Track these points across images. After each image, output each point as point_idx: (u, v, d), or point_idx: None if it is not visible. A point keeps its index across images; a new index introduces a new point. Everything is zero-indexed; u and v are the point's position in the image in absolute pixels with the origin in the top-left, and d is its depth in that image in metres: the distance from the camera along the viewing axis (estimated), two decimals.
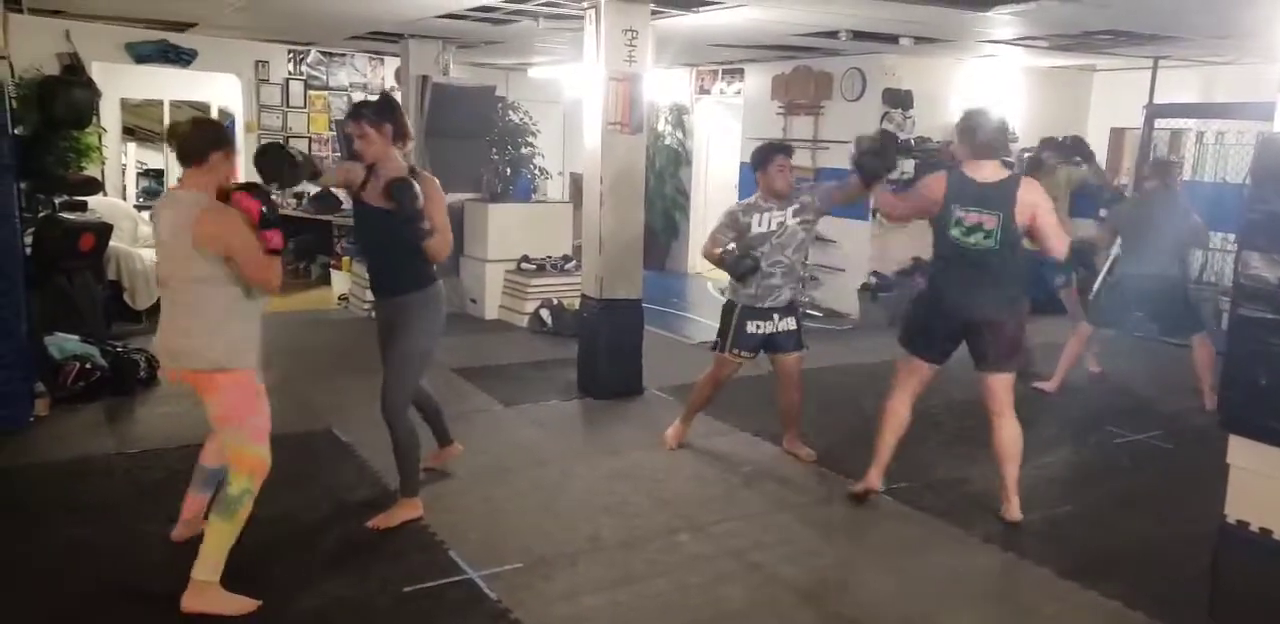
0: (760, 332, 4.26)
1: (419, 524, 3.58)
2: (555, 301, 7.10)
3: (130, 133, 9.98)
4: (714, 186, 9.89)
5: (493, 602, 3.04)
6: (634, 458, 4.45)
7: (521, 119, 7.54)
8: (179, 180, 2.96)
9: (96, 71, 7.49)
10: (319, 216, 8.50)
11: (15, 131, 4.45)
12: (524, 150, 7.57)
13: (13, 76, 4.70)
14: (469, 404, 5.17)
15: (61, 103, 4.41)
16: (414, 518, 3.61)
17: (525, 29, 6.49)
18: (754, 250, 4.13)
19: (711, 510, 3.86)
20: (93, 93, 4.61)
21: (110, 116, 8.71)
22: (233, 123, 9.11)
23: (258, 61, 8.88)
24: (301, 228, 8.49)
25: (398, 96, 6.92)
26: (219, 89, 9.38)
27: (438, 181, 3.51)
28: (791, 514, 3.85)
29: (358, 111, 3.45)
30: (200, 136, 2.88)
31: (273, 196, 2.99)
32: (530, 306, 7.21)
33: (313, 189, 8.25)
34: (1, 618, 2.88)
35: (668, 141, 9.99)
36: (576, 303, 5.85)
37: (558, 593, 3.13)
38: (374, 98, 3.77)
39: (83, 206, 5.49)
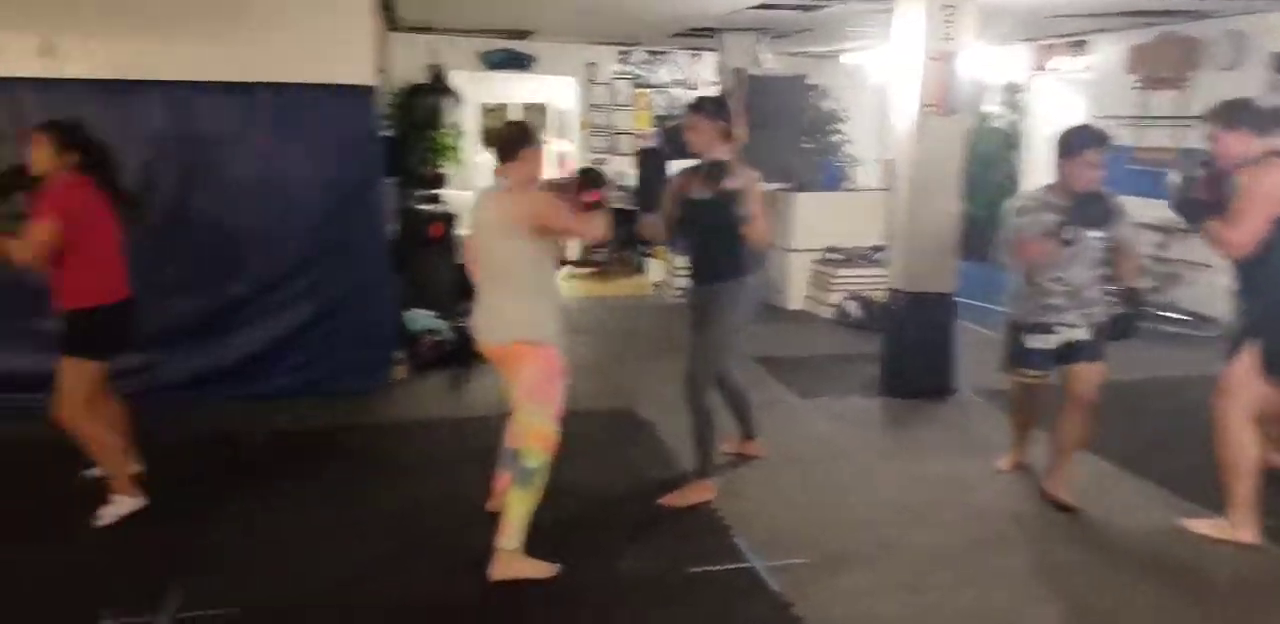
0: (1046, 346, 3.65)
1: (709, 507, 3.66)
2: (862, 294, 6.90)
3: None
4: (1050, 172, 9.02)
5: (775, 593, 3.03)
6: (939, 463, 4.22)
7: (831, 106, 7.38)
8: (496, 173, 3.28)
9: (457, 79, 8.43)
10: (636, 208, 8.94)
11: (386, 134, 5.13)
12: (833, 138, 7.41)
13: (389, 87, 5.40)
14: (767, 394, 5.17)
15: (420, 108, 5.01)
16: (705, 500, 3.69)
17: (835, 14, 6.35)
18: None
19: (1028, 528, 3.56)
20: (444, 99, 5.18)
21: (470, 119, 9.78)
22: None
23: (588, 63, 9.49)
24: (625, 219, 8.97)
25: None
26: (556, 90, 10.18)
27: (758, 174, 3.65)
28: (1121, 542, 3.45)
29: (699, 104, 3.71)
30: (510, 137, 3.21)
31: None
32: (835, 298, 7.08)
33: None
34: (332, 559, 3.30)
35: (996, 124, 9.29)
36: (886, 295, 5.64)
37: (843, 592, 3.05)
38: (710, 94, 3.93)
39: (436, 199, 6.22)
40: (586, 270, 9.39)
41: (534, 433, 3.12)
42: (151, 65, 4.57)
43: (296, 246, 4.87)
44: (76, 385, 3.40)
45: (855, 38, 8.08)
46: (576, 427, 3.25)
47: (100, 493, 3.55)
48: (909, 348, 5.14)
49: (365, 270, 5.01)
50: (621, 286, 8.62)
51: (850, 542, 3.41)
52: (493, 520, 3.15)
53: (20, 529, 3.45)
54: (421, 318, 5.80)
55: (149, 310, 4.60)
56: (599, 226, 3.19)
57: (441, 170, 5.32)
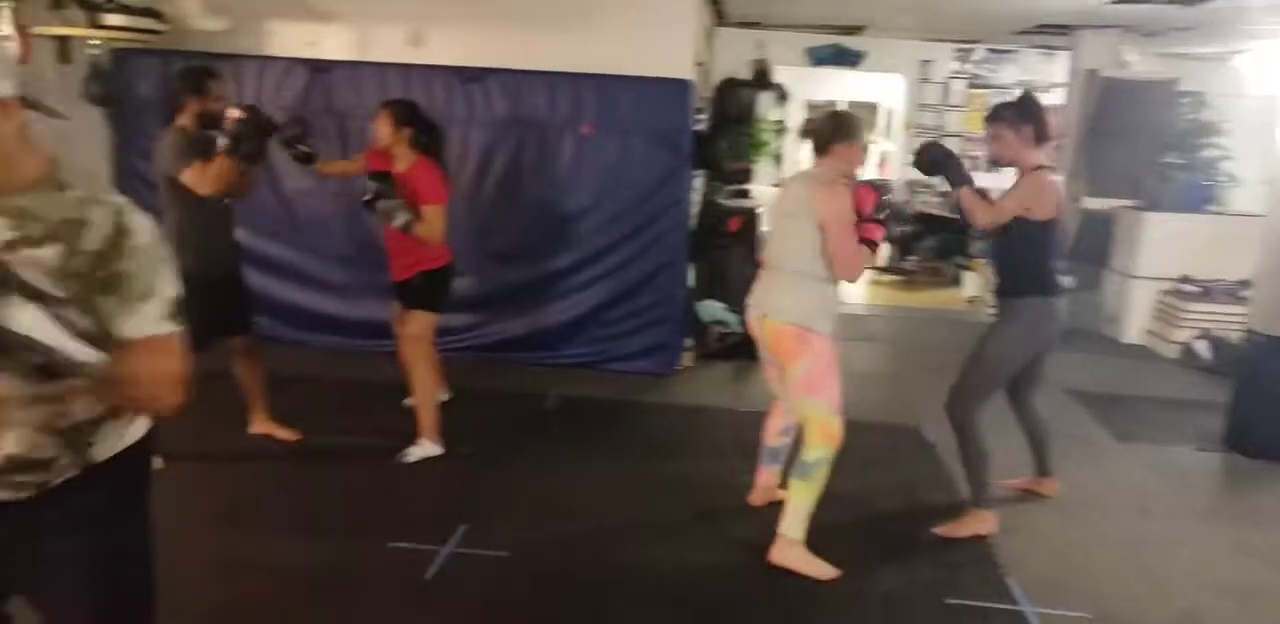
0: None
1: (984, 541, 3.39)
2: (1216, 333, 6.03)
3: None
4: None
5: None
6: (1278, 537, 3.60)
7: (1209, 117, 6.47)
8: (814, 164, 3.29)
9: (783, 75, 8.48)
10: (957, 217, 8.46)
11: (698, 128, 5.28)
12: (1207, 153, 6.50)
13: (707, 81, 5.56)
14: (1077, 431, 4.70)
15: (732, 103, 5.10)
16: (982, 533, 3.43)
17: (1226, 9, 5.55)
18: None
19: None
20: (763, 94, 5.23)
21: (796, 116, 9.80)
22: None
23: (922, 61, 9.12)
24: (941, 227, 8.56)
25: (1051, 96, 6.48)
26: (885, 89, 9.89)
27: (1048, 180, 3.35)
28: None
29: (997, 113, 3.45)
30: (823, 131, 3.20)
31: (888, 198, 3.18)
32: (1183, 335, 6.25)
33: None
34: (604, 520, 3.49)
35: None
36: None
37: None
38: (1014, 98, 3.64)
39: (743, 194, 6.29)
40: (893, 277, 9.07)
41: (816, 425, 3.11)
42: (497, 54, 5.05)
43: (605, 229, 5.17)
44: (421, 333, 3.92)
45: (1256, 36, 7.02)
46: (854, 438, 3.17)
47: (407, 421, 4.01)
48: (1265, 399, 4.41)
49: (664, 257, 5.21)
50: (930, 298, 8.23)
51: (1142, 606, 3.02)
52: (754, 511, 3.21)
53: (349, 454, 3.98)
54: (714, 309, 5.90)
55: (476, 277, 5.18)
56: (858, 269, 3.12)
57: (750, 166, 5.38)
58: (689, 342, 5.63)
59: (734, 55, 7.54)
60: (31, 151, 1.46)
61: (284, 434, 4.01)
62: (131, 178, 5.06)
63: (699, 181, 5.72)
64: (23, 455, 1.49)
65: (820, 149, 3.19)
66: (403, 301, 3.99)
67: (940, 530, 3.46)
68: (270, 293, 5.26)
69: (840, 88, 10.30)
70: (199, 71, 3.65)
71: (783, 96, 9.00)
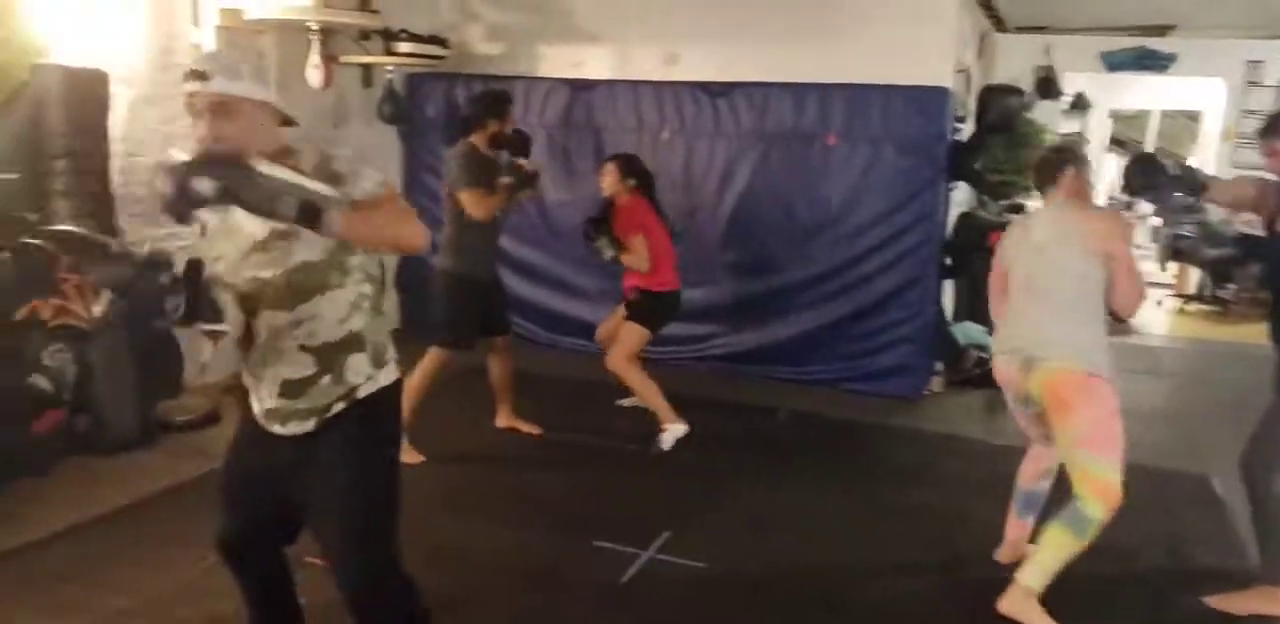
0: None
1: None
2: None
3: (1120, 144, 10.05)
4: None
5: None
6: None
7: None
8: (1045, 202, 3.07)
9: (1080, 83, 7.81)
10: None
11: (955, 138, 5.00)
12: None
13: (968, 89, 5.26)
14: None
15: (994, 111, 4.77)
16: (1270, 614, 2.92)
17: None
18: None
19: None
20: (1028, 101, 4.87)
21: (1099, 127, 8.98)
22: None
23: (1249, 61, 8.00)
24: (1269, 251, 7.43)
25: None
26: (1202, 95, 8.80)
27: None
28: None
29: (1273, 126, 2.91)
30: (1039, 167, 3.02)
31: None
32: None
33: None
34: (817, 544, 3.36)
35: None
36: None
37: None
38: None
39: (1020, 209, 5.84)
40: (1205, 307, 8.03)
41: (1093, 484, 2.75)
42: (746, 67, 5.10)
43: (850, 241, 5.03)
44: (631, 343, 4.15)
45: None
46: (1132, 481, 2.79)
47: (639, 423, 4.23)
48: None
49: (913, 273, 4.98)
50: (1244, 332, 7.18)
51: None
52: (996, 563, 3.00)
53: (577, 452, 4.18)
54: (972, 331, 5.54)
55: (715, 288, 5.25)
56: (1138, 298, 2.80)
57: (1019, 178, 4.99)
58: (940, 365, 5.33)
59: (1016, 62, 7.06)
60: (273, 134, 1.96)
61: (527, 428, 4.28)
62: (418, 189, 5.67)
63: (959, 194, 5.40)
64: (292, 377, 1.96)
65: (1047, 185, 2.98)
66: (625, 314, 4.28)
67: (1215, 602, 2.98)
68: (528, 297, 5.65)
69: (1149, 95, 9.31)
70: (499, 96, 4.04)
71: (1082, 105, 8.28)
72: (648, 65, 5.33)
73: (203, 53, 4.14)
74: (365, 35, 5.07)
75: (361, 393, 2.01)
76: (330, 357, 1.97)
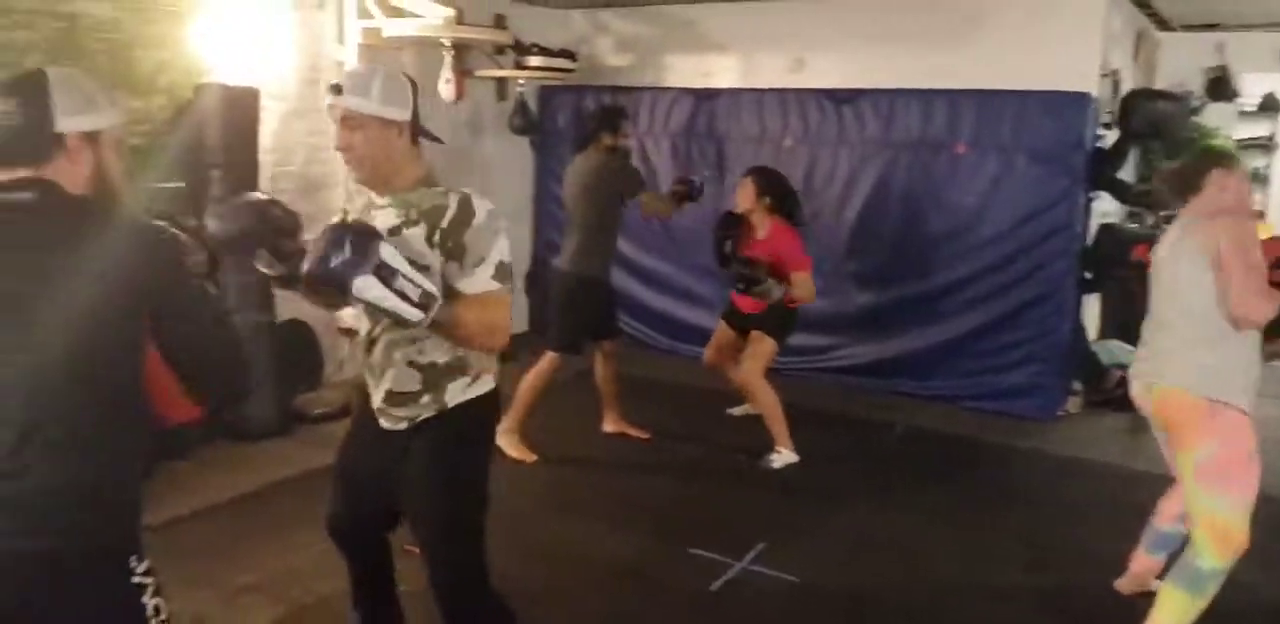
0: None
1: None
2: None
3: None
4: None
5: None
6: None
7: None
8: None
9: (1263, 83, 7.26)
10: None
11: (1098, 145, 4.77)
12: None
13: (1115, 93, 4.99)
14: None
15: (1138, 116, 4.52)
16: None
17: None
18: None
19: None
20: (1187, 105, 4.59)
21: None
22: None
23: None
24: None
25: None
26: None
27: None
28: None
29: None
30: (1179, 174, 2.81)
31: None
32: None
33: None
34: (917, 565, 3.30)
35: None
36: None
37: None
38: None
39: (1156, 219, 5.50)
40: None
41: (1211, 527, 2.54)
42: (873, 73, 5.05)
43: (978, 253, 4.90)
44: (764, 357, 4.19)
45: None
46: (1264, 516, 2.64)
47: (750, 435, 4.29)
48: None
49: (1047, 287, 4.79)
50: None
51: None
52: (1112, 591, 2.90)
53: (683, 459, 4.26)
54: (1116, 350, 5.25)
55: (837, 298, 5.22)
56: (1262, 311, 2.51)
57: (1152, 188, 4.69)
58: (1077, 385, 5.08)
59: (1183, 63, 6.63)
60: (415, 160, 2.09)
61: (636, 433, 4.38)
62: (548, 198, 5.89)
63: (1105, 205, 5.14)
64: (397, 390, 2.11)
65: (1189, 191, 2.73)
66: (750, 327, 4.24)
67: None
68: (649, 303, 5.77)
69: None
70: (613, 111, 4.22)
71: (1272, 107, 7.68)
72: (773, 73, 5.36)
73: (347, 69, 4.47)
74: (500, 50, 5.32)
75: (451, 404, 2.13)
76: (434, 377, 2.10)
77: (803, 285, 4.03)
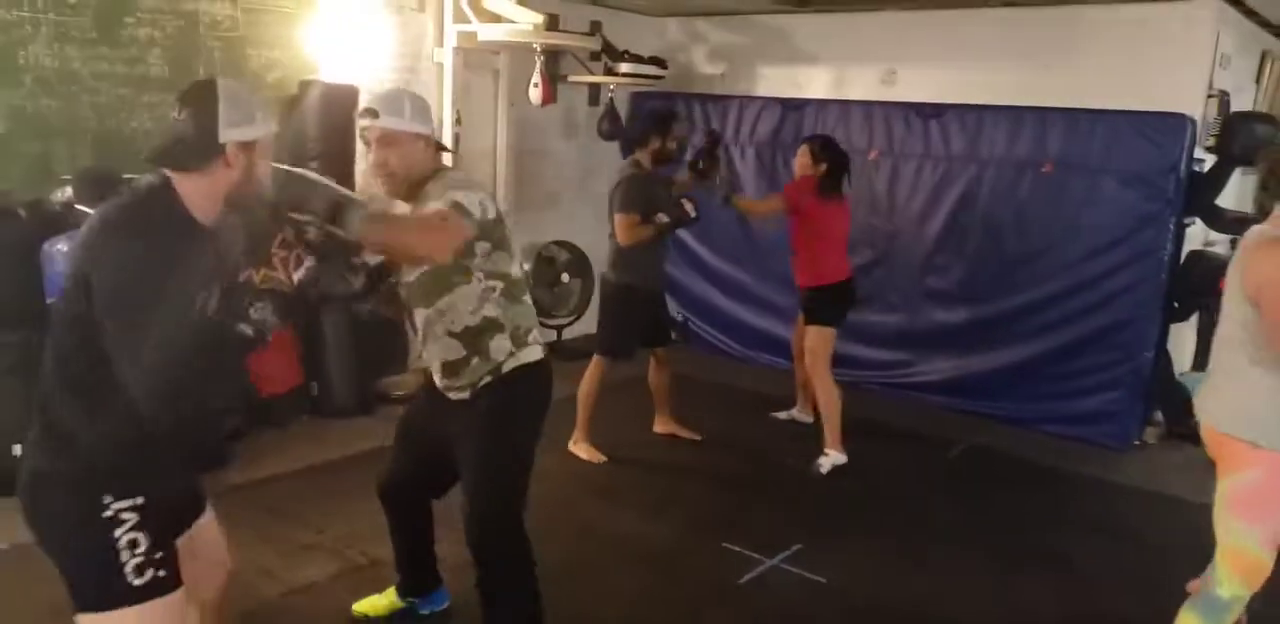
0: None
1: None
2: None
3: None
4: None
5: None
6: None
7: None
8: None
9: None
10: None
11: (1196, 169, 4.66)
12: None
13: (1221, 115, 4.84)
14: None
15: (1239, 141, 4.40)
16: None
17: None
18: None
19: None
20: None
21: None
22: None
23: None
24: None
25: None
26: None
27: None
28: None
29: None
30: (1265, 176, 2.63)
31: None
32: None
33: None
34: (945, 585, 3.34)
35: None
36: None
37: None
38: None
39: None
40: None
41: (1231, 553, 2.51)
42: (963, 89, 5.06)
43: (1058, 275, 4.84)
44: (820, 347, 4.27)
45: None
46: None
47: (804, 442, 4.39)
48: None
49: (1128, 313, 4.70)
50: None
51: None
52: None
53: (737, 458, 4.38)
54: (1197, 382, 5.09)
55: (911, 314, 5.25)
56: None
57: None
58: (1158, 415, 4.96)
59: None
60: (429, 157, 2.35)
61: (687, 434, 4.52)
62: None
63: (1199, 230, 5.00)
64: (449, 359, 2.37)
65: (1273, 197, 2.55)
66: (803, 314, 4.41)
67: None
68: (727, 311, 5.91)
69: None
70: (666, 115, 4.29)
71: None
72: (864, 84, 5.42)
73: (375, 93, 4.77)
74: (595, 56, 5.55)
75: (506, 368, 2.37)
76: (474, 340, 2.35)
77: (757, 207, 4.61)
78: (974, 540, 3.67)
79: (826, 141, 4.31)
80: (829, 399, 4.24)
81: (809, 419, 4.74)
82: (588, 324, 6.05)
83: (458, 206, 2.15)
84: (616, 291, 4.16)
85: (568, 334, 5.95)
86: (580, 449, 4.26)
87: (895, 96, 5.31)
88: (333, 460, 4.07)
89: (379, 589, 2.91)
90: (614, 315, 4.21)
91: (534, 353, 2.42)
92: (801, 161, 4.26)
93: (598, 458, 4.23)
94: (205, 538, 2.01)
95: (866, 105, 5.35)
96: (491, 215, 2.24)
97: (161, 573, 1.75)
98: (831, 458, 4.25)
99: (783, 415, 4.87)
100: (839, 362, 5.35)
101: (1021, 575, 3.40)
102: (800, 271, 4.37)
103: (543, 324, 5.83)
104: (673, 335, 4.58)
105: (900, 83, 5.33)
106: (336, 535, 3.37)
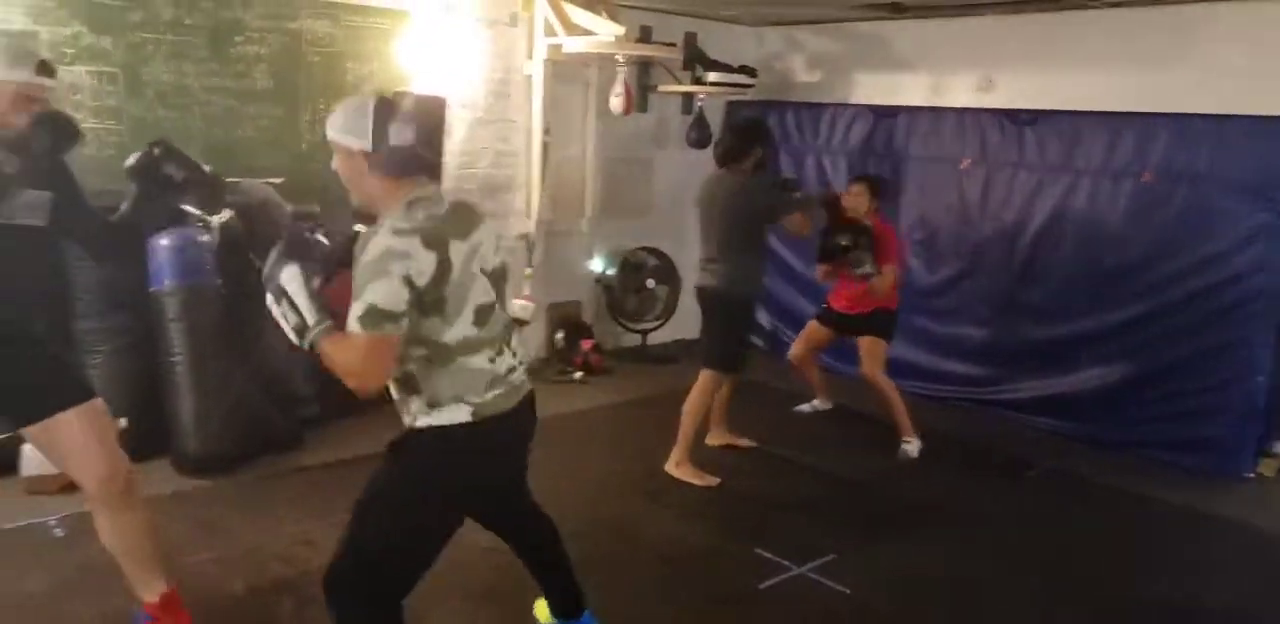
0: None
1: None
2: None
3: None
4: None
5: None
6: None
7: None
8: None
9: None
10: None
11: None
12: None
13: None
14: None
15: None
16: None
17: None
18: None
19: None
20: None
21: None
22: None
23: None
24: None
25: None
26: None
27: None
28: None
29: None
30: None
31: None
32: None
33: None
34: (981, 615, 3.27)
35: None
36: None
37: None
38: None
39: None
40: None
41: None
42: (1062, 95, 4.91)
43: (1161, 290, 4.63)
44: (882, 356, 4.62)
45: None
46: None
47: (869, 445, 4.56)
48: None
49: (1239, 332, 4.44)
50: None
51: None
52: None
53: (789, 467, 4.42)
54: None
55: (999, 329, 5.15)
56: None
57: None
58: (1276, 447, 4.64)
59: None
60: (392, 192, 2.11)
61: (744, 442, 4.57)
62: None
63: None
64: (395, 396, 2.19)
65: None
66: (853, 331, 4.69)
67: None
68: (810, 315, 5.90)
69: None
70: (764, 124, 4.46)
71: None
72: (961, 91, 5.34)
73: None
74: (689, 66, 5.71)
75: (419, 423, 2.14)
76: (400, 389, 2.16)
77: (888, 278, 4.47)
78: (1029, 566, 3.55)
79: (881, 179, 4.73)
80: (894, 396, 4.57)
81: (829, 406, 5.16)
82: (672, 329, 6.23)
83: (372, 312, 1.95)
84: (729, 304, 4.09)
85: (653, 339, 6.10)
86: (685, 472, 4.12)
87: (993, 103, 5.20)
88: None
89: None
90: (727, 328, 4.14)
91: (450, 415, 2.12)
92: (860, 200, 4.52)
93: (711, 481, 4.09)
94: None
95: (959, 112, 5.27)
96: (425, 280, 1.98)
97: None
98: (914, 443, 4.54)
99: (806, 408, 5.14)
100: (923, 376, 5.38)
101: (1069, 609, 3.25)
102: (862, 297, 4.63)
103: (628, 329, 6.13)
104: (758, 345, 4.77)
105: (999, 89, 5.22)
106: None
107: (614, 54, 4.90)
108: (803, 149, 5.98)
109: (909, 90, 5.57)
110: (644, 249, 5.93)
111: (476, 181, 5.21)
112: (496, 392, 2.18)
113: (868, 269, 4.42)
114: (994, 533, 3.83)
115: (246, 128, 4.38)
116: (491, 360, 2.18)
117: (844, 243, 4.42)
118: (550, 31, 4.95)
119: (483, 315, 2.14)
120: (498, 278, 2.24)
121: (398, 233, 1.98)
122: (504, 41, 5.12)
